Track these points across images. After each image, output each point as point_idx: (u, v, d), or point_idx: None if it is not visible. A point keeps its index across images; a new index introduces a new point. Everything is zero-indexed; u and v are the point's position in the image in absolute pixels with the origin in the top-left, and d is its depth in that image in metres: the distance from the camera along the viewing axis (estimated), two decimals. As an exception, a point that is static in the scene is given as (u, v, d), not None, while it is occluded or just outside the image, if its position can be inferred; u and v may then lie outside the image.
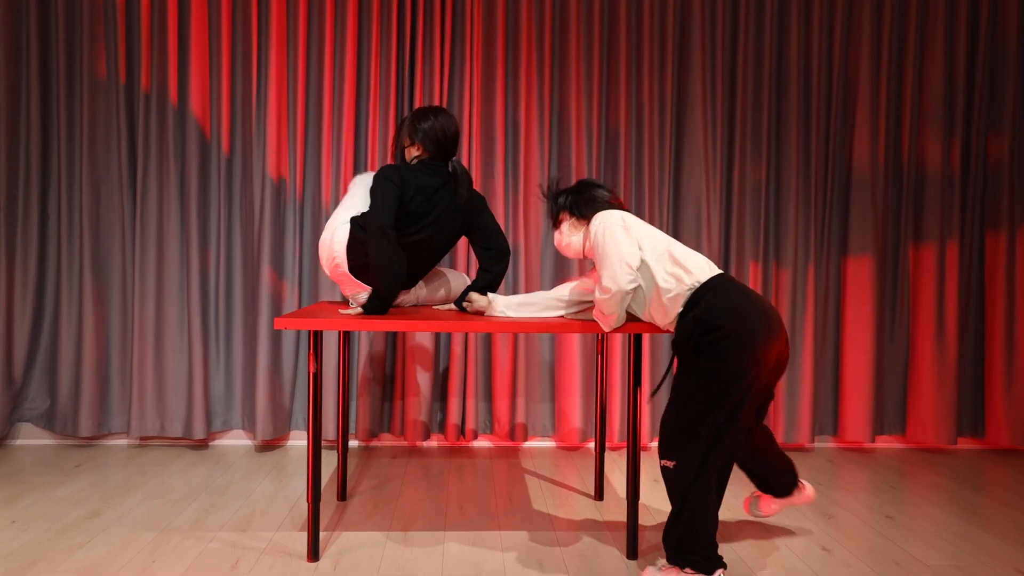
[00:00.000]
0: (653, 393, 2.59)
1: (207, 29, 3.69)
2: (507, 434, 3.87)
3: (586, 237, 2.44)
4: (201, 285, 3.72)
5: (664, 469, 2.25)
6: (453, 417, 3.82)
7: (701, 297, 2.19)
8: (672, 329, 2.27)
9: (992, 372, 3.98)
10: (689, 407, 2.17)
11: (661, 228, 3.84)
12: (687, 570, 2.19)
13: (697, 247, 3.88)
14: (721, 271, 2.29)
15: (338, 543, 2.61)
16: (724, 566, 2.20)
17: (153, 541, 2.59)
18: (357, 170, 3.82)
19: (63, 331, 3.68)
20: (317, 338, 2.40)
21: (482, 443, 3.99)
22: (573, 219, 2.50)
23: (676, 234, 3.94)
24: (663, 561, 2.35)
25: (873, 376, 3.93)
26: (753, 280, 3.95)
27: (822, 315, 3.99)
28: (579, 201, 2.48)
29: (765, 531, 2.80)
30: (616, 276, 2.22)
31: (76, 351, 3.70)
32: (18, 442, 3.78)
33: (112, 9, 3.63)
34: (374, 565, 2.43)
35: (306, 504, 2.98)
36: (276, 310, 3.73)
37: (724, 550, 2.53)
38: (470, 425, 3.84)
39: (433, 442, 3.96)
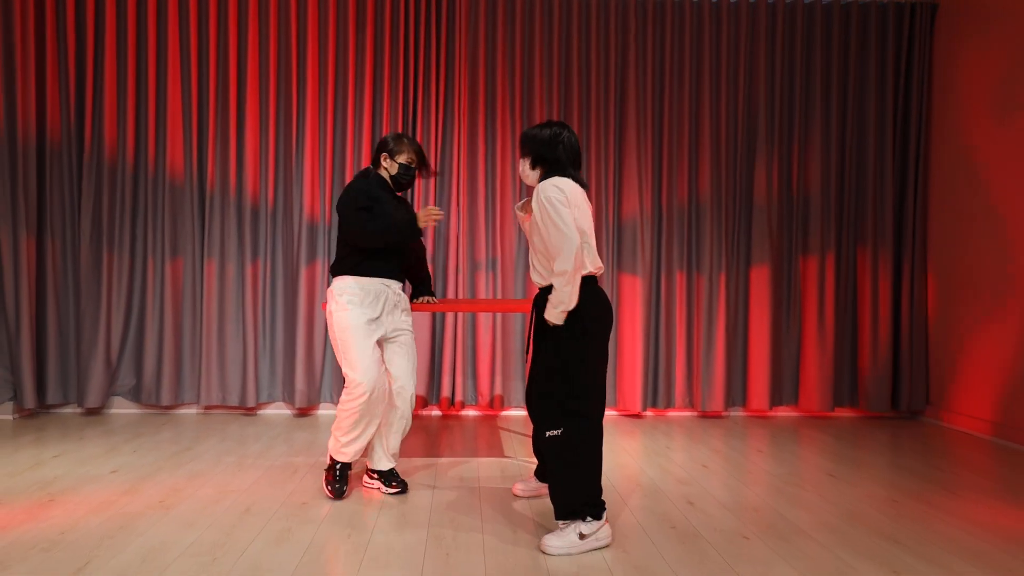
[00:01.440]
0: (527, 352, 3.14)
1: (259, 114, 4.89)
2: (487, 404, 5.01)
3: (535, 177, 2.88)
4: (253, 290, 4.88)
5: (552, 439, 2.68)
6: (445, 391, 4.97)
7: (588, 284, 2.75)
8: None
9: (862, 356, 5.14)
10: (571, 378, 2.70)
11: (607, 248, 5.02)
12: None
13: (633, 261, 5.05)
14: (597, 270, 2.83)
15: (364, 464, 3.75)
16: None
17: (234, 462, 3.73)
18: (372, 202, 4.98)
19: (148, 325, 4.83)
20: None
21: (468, 412, 5.13)
22: (531, 161, 2.89)
23: (619, 250, 5.10)
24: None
25: (771, 360, 5.09)
26: (680, 285, 5.10)
27: (732, 312, 5.15)
28: (542, 152, 2.84)
29: (666, 455, 3.94)
30: (569, 257, 2.60)
31: (158, 340, 4.85)
32: (112, 411, 4.92)
33: (189, 110, 4.84)
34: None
35: (338, 442, 4.12)
36: (310, 308, 4.89)
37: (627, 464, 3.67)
38: (459, 397, 4.98)
39: (430, 411, 5.11)
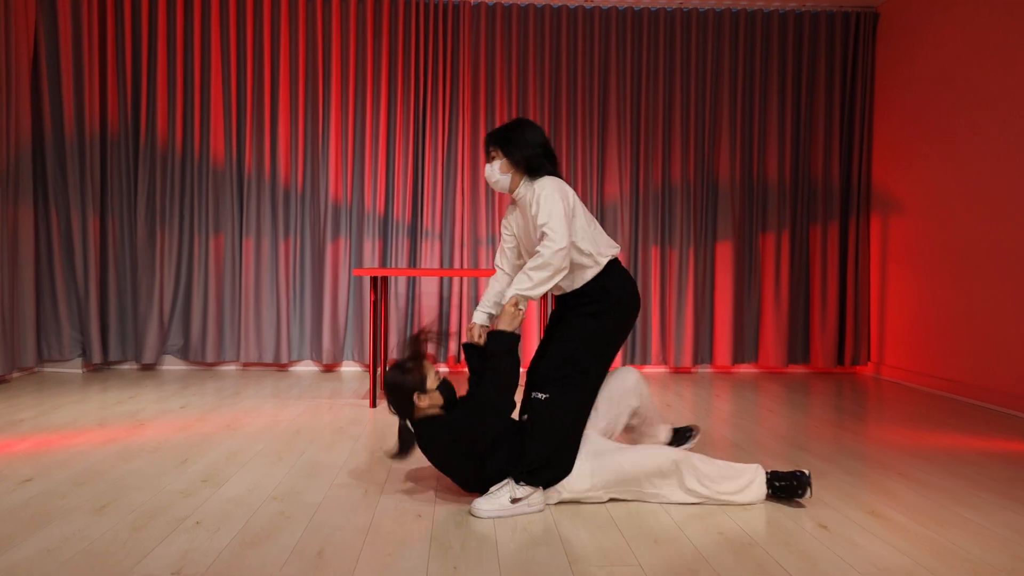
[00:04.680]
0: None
1: (290, 110, 5.64)
2: (487, 361, 5.79)
3: (515, 183, 2.77)
4: (285, 262, 5.64)
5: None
6: (453, 349, 5.75)
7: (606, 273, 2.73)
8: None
9: (812, 320, 5.93)
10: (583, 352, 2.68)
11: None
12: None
13: (614, 237, 5.81)
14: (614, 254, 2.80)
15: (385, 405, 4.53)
16: None
17: (278, 402, 4.51)
18: (388, 188, 5.75)
19: (195, 293, 5.60)
20: (376, 281, 4.32)
21: (471, 369, 5.90)
22: (504, 161, 2.78)
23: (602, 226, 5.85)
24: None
25: (734, 323, 5.87)
26: (655, 258, 5.87)
27: (700, 282, 5.92)
28: (510, 141, 2.75)
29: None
30: (564, 232, 2.54)
31: (203, 306, 5.62)
32: (164, 368, 5.71)
33: (229, 107, 5.59)
34: (407, 410, 4.35)
35: (364, 392, 4.91)
36: (335, 279, 5.65)
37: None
38: (464, 355, 5.76)
39: (439, 368, 5.88)
